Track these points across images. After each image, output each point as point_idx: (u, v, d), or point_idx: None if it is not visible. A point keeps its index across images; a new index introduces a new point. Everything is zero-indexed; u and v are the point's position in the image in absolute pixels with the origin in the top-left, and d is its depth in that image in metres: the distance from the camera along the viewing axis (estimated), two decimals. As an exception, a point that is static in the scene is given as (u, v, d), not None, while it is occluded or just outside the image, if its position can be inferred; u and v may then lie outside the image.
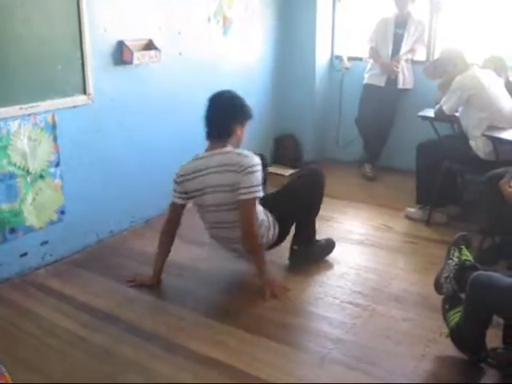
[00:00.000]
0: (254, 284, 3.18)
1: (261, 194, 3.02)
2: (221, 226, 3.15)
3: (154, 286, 3.22)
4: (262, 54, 5.15)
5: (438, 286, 2.73)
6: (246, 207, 2.99)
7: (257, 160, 3.02)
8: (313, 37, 5.27)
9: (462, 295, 2.55)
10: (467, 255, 2.72)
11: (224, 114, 3.07)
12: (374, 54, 5.03)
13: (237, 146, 3.14)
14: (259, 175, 3.01)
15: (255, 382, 2.42)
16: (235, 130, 3.08)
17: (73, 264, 3.51)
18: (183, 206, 3.22)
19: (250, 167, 2.96)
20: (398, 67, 4.89)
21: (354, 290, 3.18)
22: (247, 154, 3.02)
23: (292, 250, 3.48)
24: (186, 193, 3.15)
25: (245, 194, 2.96)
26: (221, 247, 3.34)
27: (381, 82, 5.00)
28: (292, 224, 3.39)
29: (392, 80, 4.95)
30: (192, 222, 3.41)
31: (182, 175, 3.12)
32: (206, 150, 3.11)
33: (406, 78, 5.00)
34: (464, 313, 2.45)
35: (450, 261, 2.71)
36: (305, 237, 3.45)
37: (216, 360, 2.56)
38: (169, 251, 3.25)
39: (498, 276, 2.35)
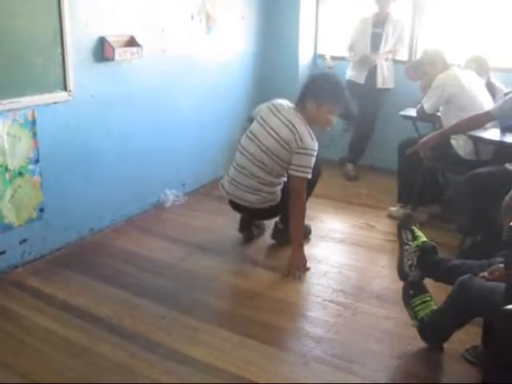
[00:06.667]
0: (236, 284, 3.18)
1: (309, 176, 3.26)
2: (246, 173, 3.37)
3: None
4: (245, 52, 5.14)
5: (402, 275, 2.70)
6: (296, 183, 3.27)
7: (313, 145, 3.24)
8: (296, 35, 5.27)
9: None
10: (421, 236, 2.70)
11: (305, 85, 3.40)
12: (352, 51, 5.06)
13: (310, 122, 3.34)
14: (311, 159, 3.23)
15: (237, 382, 2.41)
16: (307, 104, 3.33)
17: (52, 262, 3.47)
18: None
19: (302, 148, 3.21)
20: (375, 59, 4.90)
21: (335, 289, 3.19)
22: (304, 136, 3.22)
23: (276, 228, 3.73)
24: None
25: (294, 170, 3.24)
26: (228, 197, 3.52)
27: (360, 79, 5.00)
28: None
29: (372, 78, 4.96)
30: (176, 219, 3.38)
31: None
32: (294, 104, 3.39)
33: (385, 78, 4.99)
34: (444, 310, 2.43)
35: (407, 246, 2.69)
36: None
37: (197, 360, 2.54)
38: None
39: (486, 283, 2.30)
